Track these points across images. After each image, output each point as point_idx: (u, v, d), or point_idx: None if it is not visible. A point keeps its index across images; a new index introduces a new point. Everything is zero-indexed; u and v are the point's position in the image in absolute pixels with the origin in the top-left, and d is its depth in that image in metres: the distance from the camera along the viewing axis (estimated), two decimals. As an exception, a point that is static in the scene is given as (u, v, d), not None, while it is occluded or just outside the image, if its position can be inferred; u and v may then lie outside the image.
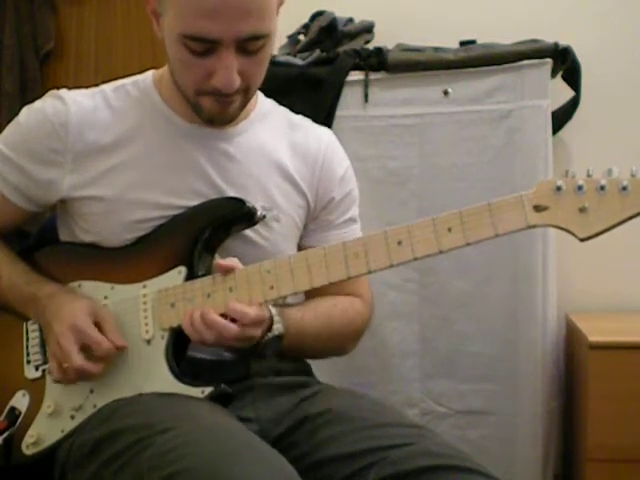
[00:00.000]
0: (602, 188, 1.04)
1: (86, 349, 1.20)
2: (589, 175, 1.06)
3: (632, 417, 1.93)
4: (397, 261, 1.13)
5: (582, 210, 1.05)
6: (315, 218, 1.39)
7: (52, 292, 1.27)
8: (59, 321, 1.21)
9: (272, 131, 1.36)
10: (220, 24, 1.12)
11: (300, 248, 1.37)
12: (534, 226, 1.08)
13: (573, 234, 1.05)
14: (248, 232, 1.29)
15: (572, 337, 2.21)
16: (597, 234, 1.05)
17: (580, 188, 1.05)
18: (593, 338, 1.97)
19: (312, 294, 1.33)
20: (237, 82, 1.18)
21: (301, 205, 1.36)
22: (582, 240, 1.06)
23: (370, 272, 1.14)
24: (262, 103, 1.34)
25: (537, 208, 1.07)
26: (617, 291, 2.33)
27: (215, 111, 1.23)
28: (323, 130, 1.43)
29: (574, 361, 2.18)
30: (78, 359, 1.19)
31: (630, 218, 1.04)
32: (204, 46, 1.15)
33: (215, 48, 1.15)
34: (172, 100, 1.29)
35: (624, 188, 1.03)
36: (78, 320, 1.21)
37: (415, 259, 1.12)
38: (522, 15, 2.35)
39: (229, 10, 1.11)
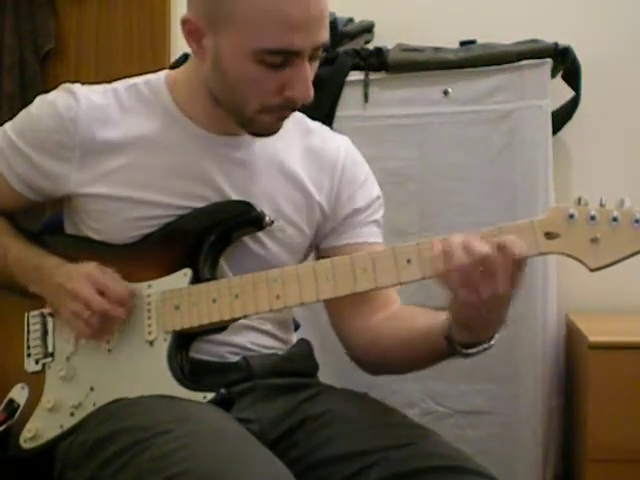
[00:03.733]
0: (615, 220, 1.04)
1: (103, 295, 1.20)
2: (602, 204, 1.05)
3: (632, 417, 1.93)
4: (405, 279, 1.12)
5: (594, 241, 1.04)
6: (339, 224, 1.36)
7: (58, 262, 1.27)
8: (70, 279, 1.21)
9: (287, 138, 1.33)
10: (304, 35, 1.14)
11: (322, 250, 1.36)
12: (545, 253, 1.08)
13: (584, 264, 1.05)
14: (252, 241, 1.28)
15: (572, 337, 2.21)
16: (607, 265, 1.04)
17: (593, 218, 1.04)
18: (593, 338, 1.97)
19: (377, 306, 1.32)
20: (312, 92, 1.19)
21: (314, 216, 1.34)
22: (592, 270, 1.05)
23: (377, 288, 1.14)
24: None
25: (548, 235, 1.06)
26: (617, 291, 2.33)
27: (271, 127, 1.23)
28: (340, 137, 1.41)
29: (574, 361, 2.18)
30: (100, 300, 1.19)
31: None
32: (283, 58, 1.15)
33: (292, 60, 1.15)
34: (186, 105, 1.28)
35: (637, 221, 1.03)
36: (90, 271, 1.21)
37: (424, 278, 1.11)
38: (522, 15, 2.36)
39: (312, 21, 1.14)
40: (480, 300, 1.07)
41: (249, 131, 1.25)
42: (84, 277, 1.21)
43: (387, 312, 1.33)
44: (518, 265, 1.06)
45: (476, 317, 1.11)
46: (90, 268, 1.23)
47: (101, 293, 1.20)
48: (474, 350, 1.15)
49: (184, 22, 1.20)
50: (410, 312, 1.33)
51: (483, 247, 1.05)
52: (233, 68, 1.18)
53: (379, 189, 1.40)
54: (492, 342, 1.16)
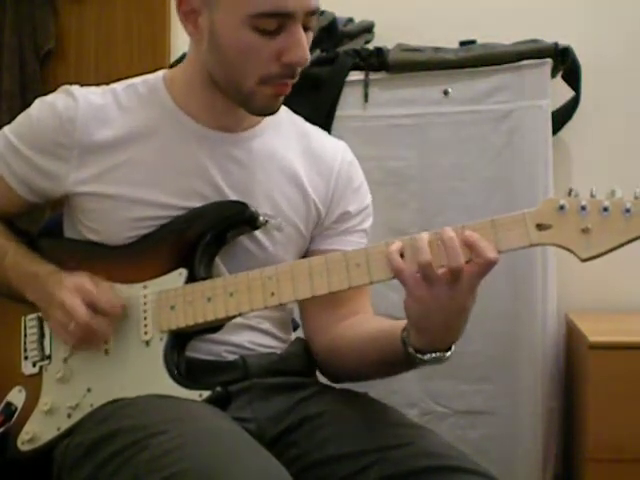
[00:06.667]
0: (605, 209, 1.03)
1: (91, 307, 1.20)
2: (592, 195, 1.05)
3: (632, 417, 1.93)
4: None
5: (585, 231, 1.04)
6: (328, 228, 1.36)
7: (53, 270, 1.27)
8: (61, 288, 1.22)
9: (285, 139, 1.34)
10: None
11: (308, 252, 1.36)
12: (536, 244, 1.08)
13: (575, 254, 1.05)
14: (248, 240, 1.28)
15: (572, 337, 2.21)
16: (599, 255, 1.04)
17: (583, 208, 1.04)
18: (593, 338, 1.97)
19: (348, 311, 1.32)
20: (309, 55, 1.19)
21: (310, 214, 1.34)
22: (583, 261, 1.05)
23: (372, 283, 1.14)
24: None
25: (540, 227, 1.06)
26: (617, 291, 2.34)
27: (271, 102, 1.23)
28: (338, 142, 1.41)
29: (574, 361, 2.18)
30: (84, 313, 1.19)
31: (632, 240, 1.03)
32: (277, 22, 1.16)
33: (286, 24, 1.16)
34: (184, 101, 1.29)
35: (627, 210, 1.03)
36: (81, 282, 1.22)
37: (418, 272, 1.11)
38: (522, 15, 2.36)
39: None
40: (434, 300, 1.08)
41: (250, 109, 1.25)
42: (74, 288, 1.21)
43: (352, 318, 1.33)
44: (484, 270, 1.06)
45: (428, 318, 1.10)
46: (82, 279, 1.23)
47: (90, 305, 1.20)
48: (427, 357, 1.14)
49: (179, 3, 1.21)
50: (373, 318, 1.34)
51: (459, 254, 1.06)
52: (230, 40, 1.18)
53: (370, 198, 1.41)
54: (448, 354, 1.15)
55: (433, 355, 1.14)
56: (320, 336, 1.34)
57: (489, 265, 1.06)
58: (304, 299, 1.20)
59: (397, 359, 1.19)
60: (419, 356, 1.15)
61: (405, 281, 1.09)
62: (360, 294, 1.34)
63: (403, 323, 1.17)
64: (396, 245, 1.10)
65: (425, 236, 1.08)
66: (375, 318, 1.34)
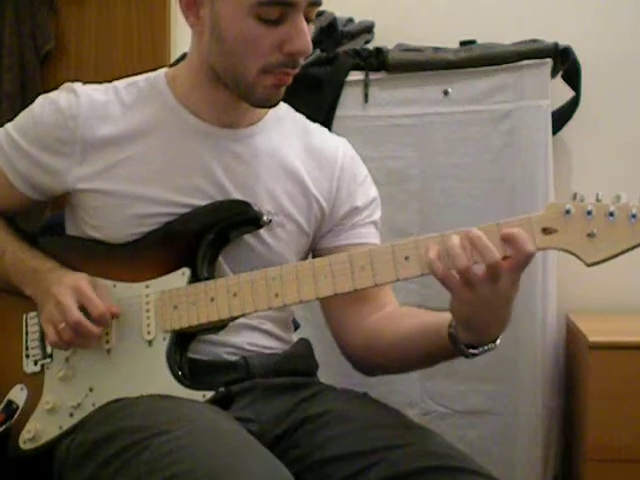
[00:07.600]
0: (611, 214, 1.04)
1: (83, 311, 1.20)
2: (598, 200, 1.05)
3: (632, 417, 1.93)
4: (404, 276, 1.12)
5: (590, 235, 1.04)
6: (337, 224, 1.36)
7: (53, 267, 1.28)
8: (59, 284, 1.22)
9: (286, 135, 1.35)
10: None
11: (321, 250, 1.36)
12: (542, 249, 1.07)
13: (581, 259, 1.05)
14: (251, 238, 1.28)
15: (572, 337, 2.21)
16: (604, 260, 1.04)
17: (589, 213, 1.05)
18: (593, 338, 1.97)
19: (375, 305, 1.33)
20: (311, 45, 1.19)
21: (312, 211, 1.34)
22: (589, 265, 1.05)
23: (376, 285, 1.14)
24: (277, 107, 1.33)
25: (545, 231, 1.06)
26: (617, 291, 2.33)
27: (271, 91, 1.23)
28: (339, 139, 1.42)
29: (574, 361, 2.18)
30: (77, 313, 1.19)
31: (637, 246, 1.03)
32: (280, 11, 1.16)
33: (288, 14, 1.17)
34: (186, 97, 1.29)
35: (633, 216, 1.03)
36: (79, 282, 1.22)
37: (422, 275, 1.11)
38: (522, 15, 2.36)
39: None
40: (480, 300, 1.07)
41: (251, 101, 1.25)
42: (70, 287, 1.22)
43: (384, 312, 1.33)
44: (523, 263, 1.06)
45: (476, 317, 1.10)
46: (80, 279, 1.23)
47: (82, 309, 1.20)
48: (477, 351, 1.15)
49: None
50: (411, 311, 1.33)
51: (492, 250, 1.04)
52: (232, 30, 1.19)
53: (376, 190, 1.41)
54: (496, 343, 1.15)
55: (485, 347, 1.14)
56: (353, 334, 1.34)
57: (528, 258, 1.05)
58: (327, 301, 1.21)
59: (444, 353, 1.19)
60: (471, 351, 1.15)
61: (451, 287, 1.08)
62: (383, 287, 1.32)
63: (446, 317, 1.16)
64: (434, 251, 1.08)
65: (456, 240, 1.07)
66: (412, 312, 1.33)
